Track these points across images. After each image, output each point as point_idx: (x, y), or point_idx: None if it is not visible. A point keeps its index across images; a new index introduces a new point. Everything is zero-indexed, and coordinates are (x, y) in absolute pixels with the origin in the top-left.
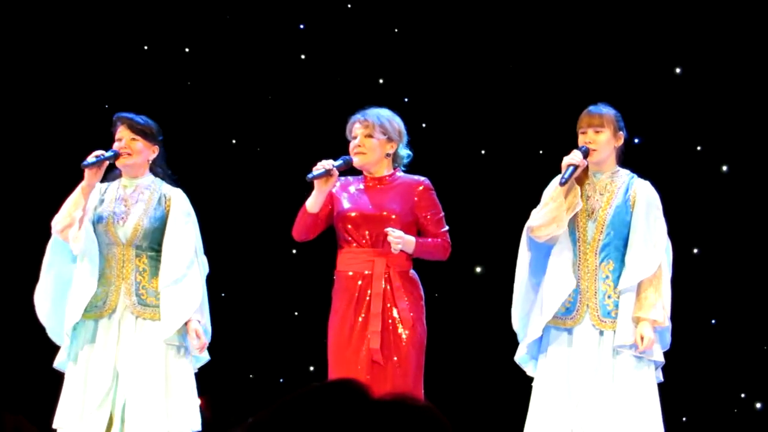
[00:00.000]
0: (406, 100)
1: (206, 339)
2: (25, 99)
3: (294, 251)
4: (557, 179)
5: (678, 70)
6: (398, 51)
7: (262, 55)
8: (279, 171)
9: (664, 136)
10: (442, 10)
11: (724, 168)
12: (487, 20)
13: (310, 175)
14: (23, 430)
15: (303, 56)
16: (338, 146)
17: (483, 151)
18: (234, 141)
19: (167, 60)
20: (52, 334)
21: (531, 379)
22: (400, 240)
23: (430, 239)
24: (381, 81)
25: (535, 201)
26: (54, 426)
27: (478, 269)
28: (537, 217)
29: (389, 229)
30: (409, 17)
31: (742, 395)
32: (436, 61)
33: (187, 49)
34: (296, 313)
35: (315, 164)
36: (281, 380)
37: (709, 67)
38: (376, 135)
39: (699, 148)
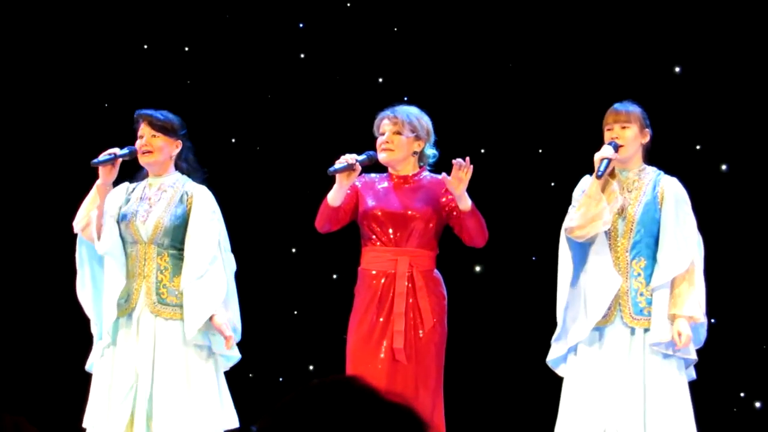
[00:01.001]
0: (405, 99)
1: (231, 334)
2: (24, 98)
3: (293, 250)
4: (585, 180)
5: (677, 69)
6: (398, 50)
7: (261, 54)
8: (279, 170)
9: (664, 135)
10: (441, 9)
11: (724, 167)
12: (487, 19)
13: (331, 169)
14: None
15: (302, 55)
16: (338, 145)
17: (483, 150)
18: (233, 140)
19: (167, 59)
20: (97, 332)
21: (532, 378)
22: (467, 169)
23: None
24: (380, 80)
25: (535, 200)
26: (84, 425)
27: (478, 268)
28: (575, 217)
29: (459, 160)
30: (408, 16)
31: (742, 394)
32: (436, 60)
33: (186, 48)
34: (296, 312)
35: (338, 158)
36: (281, 379)
37: (709, 67)
38: (404, 132)
39: (698, 147)
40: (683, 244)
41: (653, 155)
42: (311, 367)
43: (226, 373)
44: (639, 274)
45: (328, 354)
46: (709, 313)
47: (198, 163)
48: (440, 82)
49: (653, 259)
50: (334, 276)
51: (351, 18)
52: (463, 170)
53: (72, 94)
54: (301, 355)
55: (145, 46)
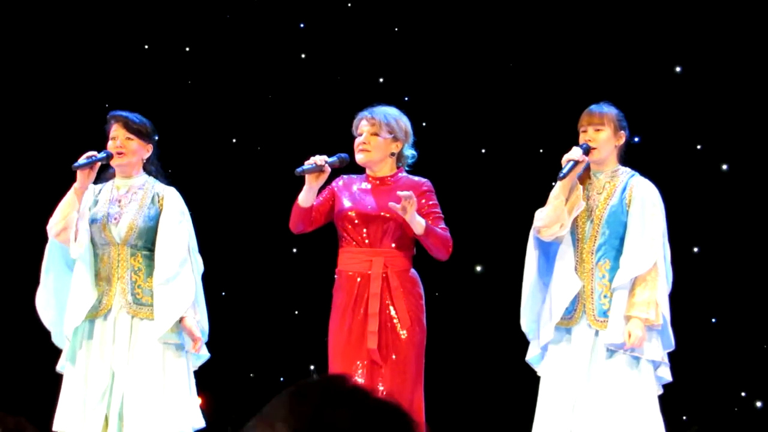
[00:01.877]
0: (406, 99)
1: (201, 336)
2: (25, 98)
3: (294, 250)
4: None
5: (678, 69)
6: (398, 50)
7: (262, 54)
8: (279, 170)
9: (664, 135)
10: (442, 10)
11: (724, 167)
12: (487, 19)
13: (299, 169)
14: None
15: (303, 55)
16: (338, 145)
17: (483, 150)
18: (234, 140)
19: (168, 59)
20: (55, 337)
21: (532, 378)
22: (412, 201)
23: (438, 229)
24: (381, 80)
25: (535, 200)
26: (54, 428)
27: (479, 268)
28: (541, 217)
29: (403, 193)
30: (409, 16)
31: (743, 394)
32: (437, 60)
33: (187, 49)
34: (296, 312)
35: (307, 158)
36: (282, 379)
37: (709, 66)
38: (382, 134)
39: (699, 147)
40: (647, 245)
41: (653, 154)
42: (312, 367)
43: (228, 373)
44: (603, 276)
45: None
46: (710, 312)
47: (162, 168)
48: (441, 82)
49: (618, 261)
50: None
51: (352, 18)
52: (407, 202)
53: (73, 94)
54: (301, 355)
55: (146, 47)
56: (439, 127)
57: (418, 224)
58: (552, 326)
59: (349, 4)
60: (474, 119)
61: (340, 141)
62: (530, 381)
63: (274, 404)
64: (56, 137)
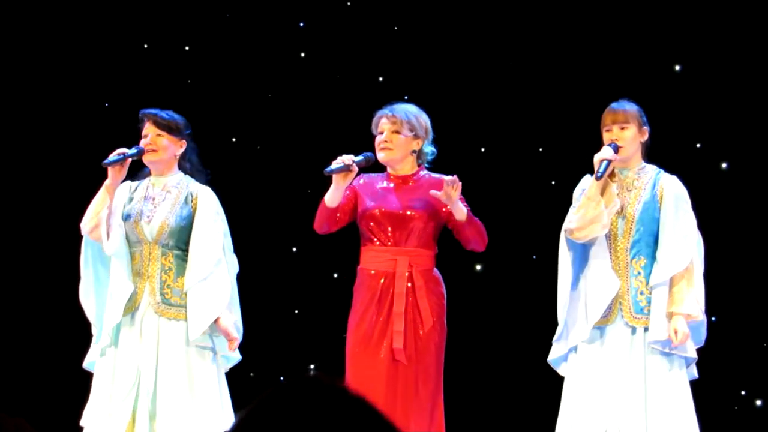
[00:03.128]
0: (405, 97)
1: (237, 336)
2: (25, 97)
3: (294, 249)
4: (585, 180)
5: (677, 68)
6: (398, 49)
7: (261, 53)
8: (279, 169)
9: (664, 134)
10: (441, 8)
11: (724, 165)
12: (487, 18)
13: (327, 169)
14: None
15: (303, 54)
16: (338, 145)
17: (483, 149)
18: (234, 139)
19: (167, 58)
20: (96, 333)
21: (533, 377)
22: (457, 186)
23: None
24: (381, 79)
25: (535, 199)
26: (81, 423)
27: (478, 267)
28: (575, 219)
29: (447, 177)
30: (408, 15)
31: (743, 392)
32: (436, 58)
33: (187, 48)
34: (296, 311)
35: (335, 158)
36: (282, 379)
37: (709, 65)
38: (403, 131)
39: (698, 145)
40: (682, 242)
41: (654, 153)
42: (312, 366)
43: (228, 373)
44: (639, 273)
45: (328, 353)
46: (710, 311)
47: (201, 164)
48: (440, 81)
49: (653, 257)
50: (335, 275)
51: (351, 17)
52: (451, 187)
53: (73, 93)
54: (301, 355)
55: (146, 46)
56: (439, 126)
57: (460, 210)
58: (588, 327)
59: (349, 3)
60: (474, 118)
61: (340, 140)
62: (531, 380)
63: (252, 407)
64: (55, 137)
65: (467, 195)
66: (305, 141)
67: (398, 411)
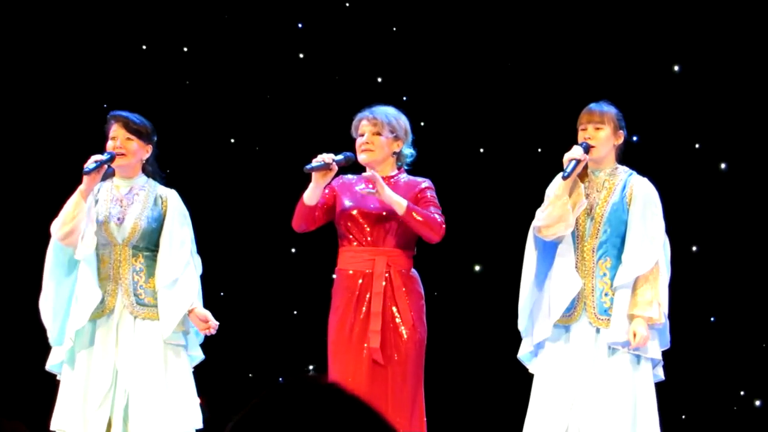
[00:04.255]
0: (404, 98)
1: (215, 322)
2: (23, 99)
3: (293, 250)
4: (558, 177)
5: (676, 68)
6: (397, 49)
7: (260, 54)
8: (278, 170)
9: (663, 134)
10: (440, 9)
11: (723, 166)
12: (486, 18)
13: (308, 166)
14: None
15: (301, 55)
16: (337, 145)
17: (482, 150)
18: (232, 140)
19: (165, 59)
20: (54, 337)
21: (531, 377)
22: (375, 178)
23: (424, 211)
24: (379, 80)
25: (534, 199)
26: (52, 428)
27: (477, 267)
28: (542, 216)
29: (366, 174)
30: (407, 16)
31: (742, 393)
32: (435, 59)
33: (185, 49)
34: (295, 312)
35: (315, 156)
36: (280, 379)
37: (708, 65)
38: (384, 133)
39: (697, 145)
40: (648, 244)
41: (652, 153)
42: (311, 367)
43: (227, 374)
44: (605, 274)
45: (327, 354)
46: (709, 311)
47: (159, 169)
48: (439, 82)
49: (619, 259)
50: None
51: (350, 18)
52: (371, 180)
53: (71, 94)
54: (300, 355)
55: (144, 47)
56: (438, 126)
57: (397, 203)
58: (550, 324)
59: (347, 4)
60: (472, 119)
61: (339, 141)
62: (528, 380)
63: (250, 407)
64: (54, 138)
65: (466, 195)
66: (304, 142)
67: (381, 410)
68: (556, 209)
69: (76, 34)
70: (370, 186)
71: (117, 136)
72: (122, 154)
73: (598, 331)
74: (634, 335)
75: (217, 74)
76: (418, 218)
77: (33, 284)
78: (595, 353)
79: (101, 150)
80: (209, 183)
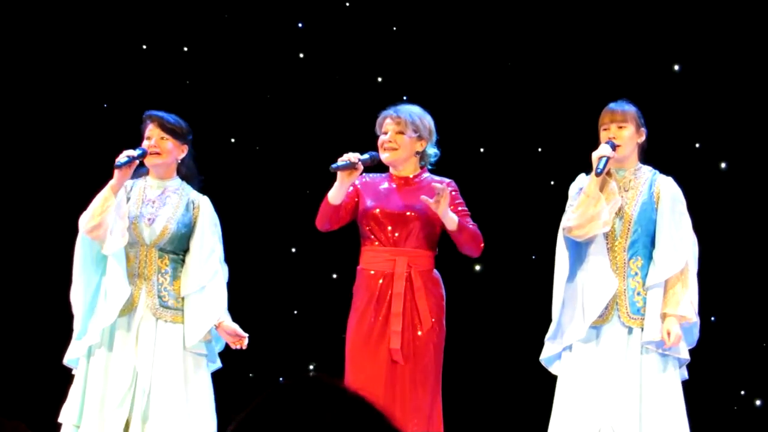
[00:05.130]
0: (405, 98)
1: (244, 334)
2: (23, 98)
3: (293, 250)
4: (581, 178)
5: (676, 67)
6: (397, 49)
7: (260, 53)
8: (278, 170)
9: (663, 133)
10: (440, 8)
11: (723, 165)
12: (486, 18)
13: (333, 166)
14: None
15: (301, 55)
16: (338, 145)
17: (482, 149)
18: (233, 140)
19: (166, 59)
20: (77, 331)
21: (533, 377)
22: (445, 194)
23: (470, 225)
24: (380, 79)
25: (534, 199)
26: (60, 420)
27: (477, 267)
28: (573, 217)
29: (437, 185)
30: (407, 15)
31: (742, 392)
32: (435, 59)
33: (185, 48)
34: (296, 312)
35: (340, 155)
36: (281, 379)
37: (708, 65)
38: (408, 132)
39: (698, 145)
40: (679, 244)
41: (652, 153)
42: (311, 367)
43: (227, 374)
44: (636, 274)
45: (328, 353)
46: (709, 311)
47: (197, 170)
48: (439, 82)
49: (650, 258)
50: (334, 275)
51: (350, 17)
52: (440, 195)
53: (71, 94)
54: (301, 355)
55: (144, 47)
56: (438, 126)
57: (450, 220)
58: (585, 326)
59: (348, 4)
60: (473, 118)
61: (340, 141)
62: (530, 380)
63: (252, 408)
64: (54, 138)
65: (467, 195)
66: (304, 142)
67: (397, 411)
68: (590, 208)
69: (76, 33)
70: (434, 198)
71: (152, 135)
72: (157, 153)
73: (630, 331)
74: (669, 334)
75: (217, 74)
76: (467, 235)
77: (35, 285)
78: (627, 354)
79: (101, 150)
80: (209, 183)
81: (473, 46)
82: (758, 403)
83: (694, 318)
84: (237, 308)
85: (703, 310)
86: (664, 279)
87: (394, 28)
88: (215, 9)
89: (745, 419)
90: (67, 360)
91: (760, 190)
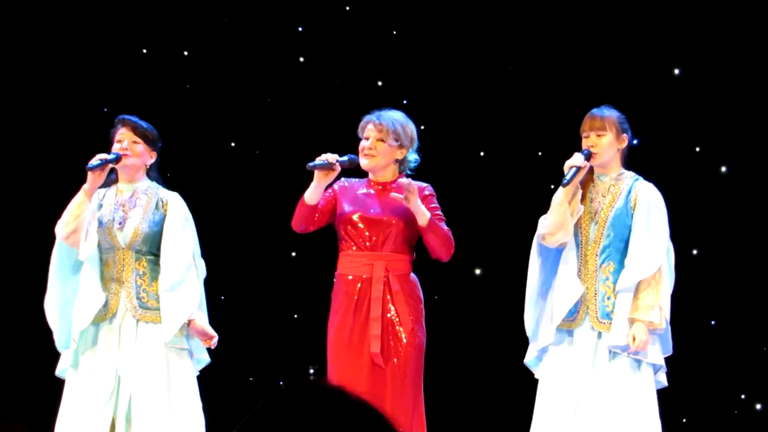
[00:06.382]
0: (405, 102)
1: (214, 333)
2: (24, 103)
3: (293, 254)
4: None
5: (677, 71)
6: (397, 53)
7: (260, 57)
8: (278, 174)
9: (663, 137)
10: (440, 12)
11: (723, 169)
12: (486, 22)
13: (311, 164)
14: None
15: (302, 59)
16: (338, 148)
17: (482, 153)
18: (233, 144)
19: (166, 63)
20: (60, 341)
21: (534, 381)
22: (412, 188)
23: (443, 226)
24: (380, 83)
25: (534, 202)
26: (57, 430)
27: (478, 271)
28: (545, 224)
29: (403, 180)
30: (407, 19)
31: (743, 396)
32: (435, 63)
33: (185, 53)
34: (296, 316)
35: (319, 155)
36: (281, 383)
37: (708, 68)
38: (388, 141)
39: (698, 149)
40: (652, 249)
41: (652, 157)
42: (311, 370)
43: (228, 377)
44: (607, 278)
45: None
46: (710, 314)
47: (162, 179)
48: (439, 86)
49: (622, 264)
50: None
51: (350, 22)
52: (407, 189)
53: (71, 98)
54: (301, 359)
55: (144, 51)
56: (438, 130)
57: (422, 214)
58: (552, 329)
59: (348, 8)
60: (473, 122)
61: (339, 144)
62: (530, 384)
63: (255, 412)
64: (54, 141)
65: (466, 198)
66: (304, 145)
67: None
68: (558, 216)
69: (76, 37)
70: (406, 192)
71: (123, 138)
72: (127, 156)
73: (599, 335)
74: (633, 339)
75: (217, 78)
76: (438, 235)
77: (38, 287)
78: (596, 357)
79: (101, 152)
80: (210, 187)
81: (473, 50)
82: (758, 407)
83: (663, 324)
84: (237, 311)
85: (703, 314)
86: (634, 283)
87: (394, 32)
88: (215, 13)
89: (745, 423)
90: (59, 371)
91: (760, 194)
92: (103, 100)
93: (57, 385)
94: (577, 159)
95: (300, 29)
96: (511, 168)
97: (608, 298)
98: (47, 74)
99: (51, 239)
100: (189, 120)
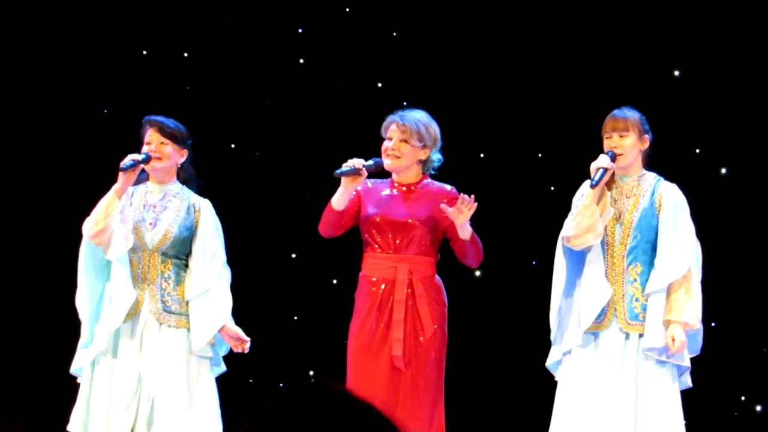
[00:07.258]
0: (405, 103)
1: (247, 339)
2: (24, 104)
3: (293, 256)
4: (584, 186)
5: (677, 73)
6: (397, 55)
7: (260, 59)
8: (278, 175)
9: (663, 139)
10: (440, 14)
11: (723, 170)
12: (486, 24)
13: (338, 171)
14: None
15: (301, 60)
16: (338, 150)
17: (482, 155)
18: (233, 145)
19: (166, 65)
20: (84, 339)
21: (534, 382)
22: (472, 207)
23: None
24: (380, 85)
25: (535, 204)
26: (69, 428)
27: (478, 273)
28: (571, 226)
29: (465, 196)
30: (407, 21)
31: (743, 398)
32: (435, 64)
33: (185, 54)
34: (296, 318)
35: (344, 161)
36: (281, 385)
37: (708, 70)
38: (412, 141)
39: (698, 150)
40: (681, 250)
41: (653, 159)
42: (311, 373)
43: (227, 379)
44: (635, 280)
45: (328, 359)
46: (710, 316)
47: (195, 175)
48: (439, 87)
49: (650, 265)
50: (334, 281)
51: (350, 23)
52: (466, 205)
53: (71, 100)
54: (301, 361)
55: (144, 52)
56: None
57: (467, 230)
58: (580, 333)
59: (348, 9)
60: (473, 124)
61: (340, 146)
62: (531, 384)
63: (257, 415)
64: (54, 144)
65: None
66: (304, 147)
67: (398, 417)
68: (585, 219)
69: (76, 39)
70: (463, 207)
71: (152, 140)
72: (157, 158)
73: (627, 337)
74: (673, 340)
75: (217, 79)
76: (477, 246)
77: (38, 288)
78: (625, 359)
79: (103, 156)
80: (209, 188)
81: (473, 51)
82: (759, 408)
83: (698, 325)
84: (238, 313)
85: (704, 316)
86: (666, 285)
87: (394, 34)
88: (215, 14)
89: (745, 425)
90: (74, 369)
91: (760, 196)
92: (104, 101)
93: (57, 385)
94: (603, 160)
95: (300, 31)
96: (512, 170)
97: (636, 300)
98: (48, 75)
99: (51, 240)
100: (189, 121)
